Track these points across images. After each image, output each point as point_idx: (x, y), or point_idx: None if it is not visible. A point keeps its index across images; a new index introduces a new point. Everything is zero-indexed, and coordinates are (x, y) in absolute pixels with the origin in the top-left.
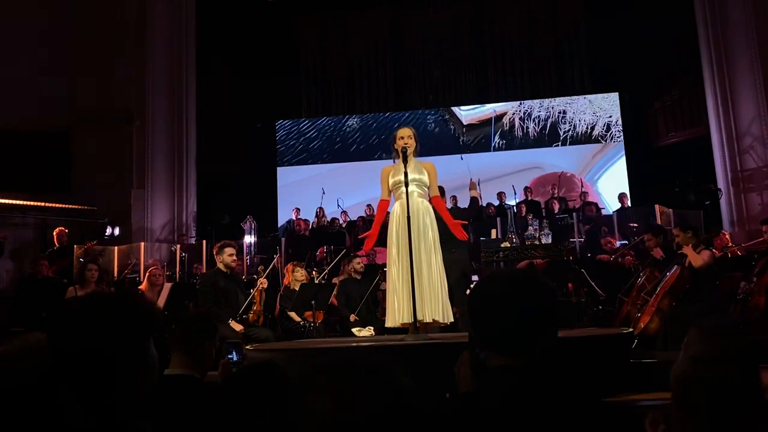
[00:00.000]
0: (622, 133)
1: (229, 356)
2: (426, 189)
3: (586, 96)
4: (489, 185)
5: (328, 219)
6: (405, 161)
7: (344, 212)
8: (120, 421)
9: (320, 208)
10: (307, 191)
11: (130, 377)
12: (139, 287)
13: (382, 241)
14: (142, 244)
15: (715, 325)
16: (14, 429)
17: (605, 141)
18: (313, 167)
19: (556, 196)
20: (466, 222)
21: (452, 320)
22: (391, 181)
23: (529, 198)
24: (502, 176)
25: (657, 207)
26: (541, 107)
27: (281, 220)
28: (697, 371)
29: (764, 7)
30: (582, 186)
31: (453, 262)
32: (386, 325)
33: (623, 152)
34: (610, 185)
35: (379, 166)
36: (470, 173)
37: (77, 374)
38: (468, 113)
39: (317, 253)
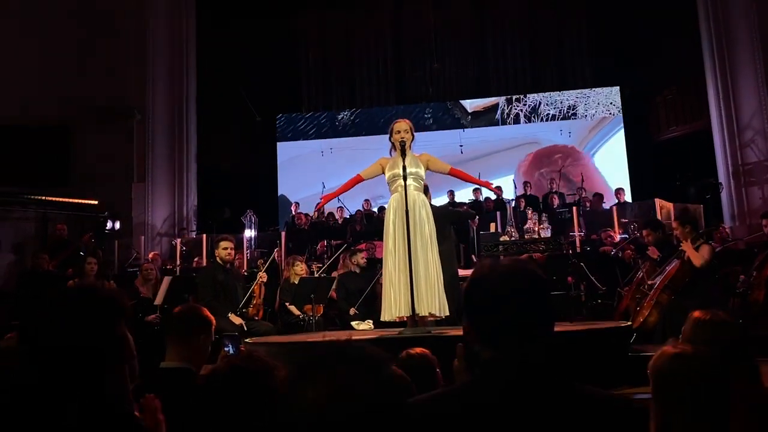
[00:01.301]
0: (623, 128)
1: (226, 349)
2: (422, 182)
3: (597, 89)
4: (487, 160)
5: (325, 213)
6: (403, 155)
7: (359, 210)
8: (115, 413)
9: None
10: (308, 166)
11: (113, 365)
12: (135, 281)
13: (380, 234)
14: (143, 237)
15: (712, 316)
16: (16, 427)
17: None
18: (314, 142)
19: (555, 191)
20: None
21: (448, 314)
22: (388, 174)
23: (528, 192)
24: (499, 151)
25: (657, 201)
26: (549, 105)
27: (280, 190)
28: (673, 365)
29: (766, 0)
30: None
31: (444, 258)
32: (382, 319)
33: (621, 125)
34: (609, 161)
35: (381, 140)
36: (466, 149)
37: (63, 373)
38: (473, 101)
39: (317, 247)
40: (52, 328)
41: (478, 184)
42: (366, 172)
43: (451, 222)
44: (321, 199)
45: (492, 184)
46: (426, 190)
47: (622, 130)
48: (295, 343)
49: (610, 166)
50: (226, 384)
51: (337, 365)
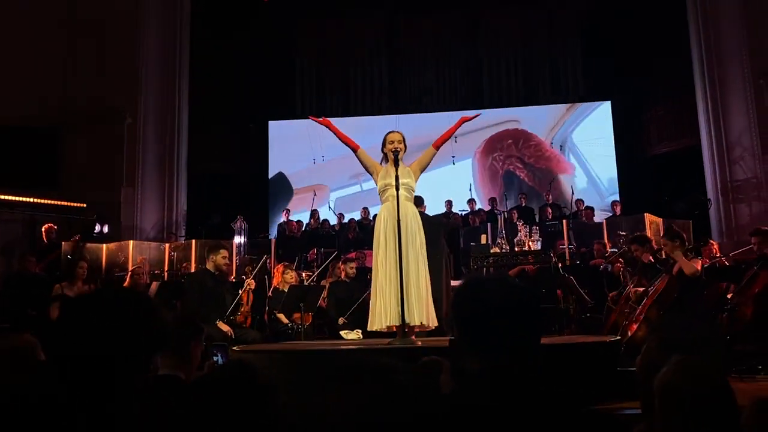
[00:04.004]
0: (613, 144)
1: (215, 358)
2: (413, 193)
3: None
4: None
5: (320, 221)
6: (396, 165)
7: (353, 219)
8: (117, 423)
9: (314, 209)
10: (298, 147)
11: (131, 382)
12: (123, 285)
13: (371, 243)
14: (131, 242)
15: (678, 335)
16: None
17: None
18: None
19: (550, 203)
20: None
21: (437, 324)
22: (380, 183)
23: (523, 204)
24: (480, 129)
25: (646, 216)
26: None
27: (272, 172)
28: (678, 379)
29: (756, 18)
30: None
31: (435, 268)
32: (370, 329)
33: (608, 104)
34: (588, 137)
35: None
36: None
37: (81, 381)
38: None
39: (308, 255)
40: (77, 337)
41: (457, 128)
42: (364, 154)
43: (444, 232)
44: (317, 119)
45: (468, 116)
46: (421, 202)
47: (604, 107)
48: (285, 352)
49: (590, 132)
50: (215, 391)
51: (360, 378)
